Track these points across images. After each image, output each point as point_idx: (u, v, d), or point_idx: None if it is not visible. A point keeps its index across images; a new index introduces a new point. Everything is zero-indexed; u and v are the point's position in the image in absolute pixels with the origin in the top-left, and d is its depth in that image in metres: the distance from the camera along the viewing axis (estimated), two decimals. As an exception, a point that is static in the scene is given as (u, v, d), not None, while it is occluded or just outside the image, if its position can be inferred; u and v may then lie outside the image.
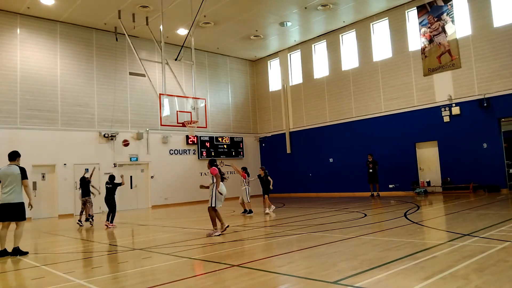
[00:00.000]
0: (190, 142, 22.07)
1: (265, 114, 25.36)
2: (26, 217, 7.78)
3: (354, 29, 20.55)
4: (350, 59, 20.96)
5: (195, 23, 17.37)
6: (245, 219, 11.87)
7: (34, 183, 16.81)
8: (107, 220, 11.74)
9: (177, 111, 15.86)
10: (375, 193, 18.39)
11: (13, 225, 7.66)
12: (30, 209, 7.79)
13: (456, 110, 16.82)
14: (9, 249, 7.57)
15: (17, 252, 7.51)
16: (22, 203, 7.59)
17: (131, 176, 19.93)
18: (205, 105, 17.27)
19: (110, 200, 11.86)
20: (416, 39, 18.26)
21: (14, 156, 7.81)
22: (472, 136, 16.42)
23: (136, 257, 6.91)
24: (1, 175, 7.60)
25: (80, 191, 13.19)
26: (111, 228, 11.49)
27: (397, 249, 5.95)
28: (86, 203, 12.90)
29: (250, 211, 13.17)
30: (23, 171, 7.64)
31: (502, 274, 4.33)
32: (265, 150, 25.27)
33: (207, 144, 22.83)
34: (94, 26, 19.03)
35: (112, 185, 11.87)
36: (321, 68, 22.36)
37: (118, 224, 12.86)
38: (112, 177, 12.16)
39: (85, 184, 13.02)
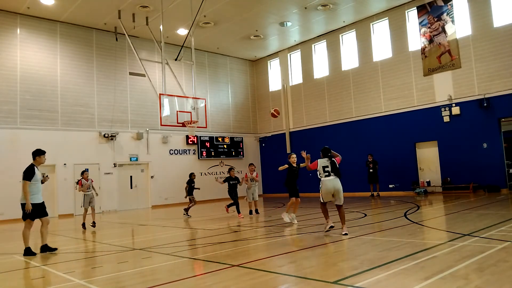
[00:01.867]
0: (190, 142, 22.07)
1: (265, 114, 25.33)
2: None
3: (354, 29, 20.55)
4: (350, 59, 20.96)
5: (195, 23, 17.37)
6: (246, 219, 11.87)
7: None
8: (238, 212, 12.47)
9: (177, 111, 15.86)
10: (375, 193, 18.39)
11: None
12: (27, 212, 7.48)
13: (456, 110, 16.82)
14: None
15: (46, 249, 7.63)
16: (22, 204, 7.50)
17: (131, 176, 19.94)
18: (205, 105, 17.26)
19: (233, 194, 12.75)
20: (416, 39, 18.26)
21: (32, 155, 7.72)
22: (472, 136, 16.42)
23: (136, 257, 6.91)
24: None
25: (188, 188, 14.17)
26: (241, 219, 11.96)
27: (397, 249, 5.95)
28: (192, 200, 14.05)
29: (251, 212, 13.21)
30: (24, 171, 7.53)
31: (502, 274, 4.33)
32: (265, 150, 25.26)
33: (207, 144, 22.83)
34: (94, 26, 19.03)
35: (236, 181, 12.83)
36: (321, 68, 22.35)
37: (118, 224, 12.87)
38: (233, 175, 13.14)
39: (191, 183, 14.11)
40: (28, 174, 7.50)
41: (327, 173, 7.82)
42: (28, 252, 7.42)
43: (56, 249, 7.77)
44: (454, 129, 16.91)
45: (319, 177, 7.95)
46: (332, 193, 7.84)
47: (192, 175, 14.39)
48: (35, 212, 7.55)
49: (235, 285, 4.58)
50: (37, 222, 7.75)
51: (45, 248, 7.65)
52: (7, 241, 10.55)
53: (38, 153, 7.76)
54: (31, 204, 7.46)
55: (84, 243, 9.30)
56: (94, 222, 11.68)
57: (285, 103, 23.96)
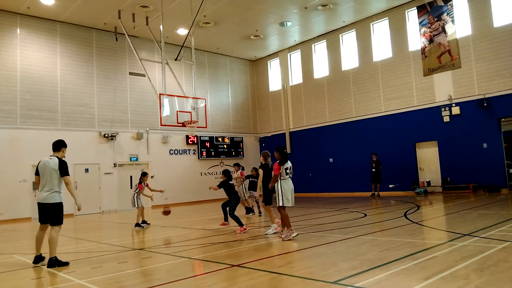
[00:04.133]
0: (190, 142, 22.07)
1: (265, 114, 25.35)
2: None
3: (354, 29, 20.55)
4: (350, 59, 20.96)
5: (195, 23, 17.37)
6: (246, 219, 11.86)
7: (34, 183, 16.80)
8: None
9: (177, 111, 15.87)
10: (375, 193, 18.37)
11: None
12: (79, 210, 6.91)
13: (456, 110, 16.82)
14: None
15: (54, 263, 6.18)
16: (58, 204, 6.62)
17: (131, 176, 19.92)
18: (205, 105, 17.27)
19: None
20: (416, 39, 18.26)
21: (58, 145, 6.61)
22: (472, 136, 16.42)
23: (136, 257, 6.92)
24: (39, 168, 6.50)
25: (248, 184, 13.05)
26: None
27: (397, 249, 5.95)
28: (250, 196, 12.92)
29: (251, 209, 13.12)
30: (62, 165, 6.42)
31: (502, 274, 4.33)
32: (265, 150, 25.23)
33: (207, 144, 22.83)
34: (94, 26, 19.03)
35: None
36: (321, 68, 22.35)
37: (118, 224, 12.86)
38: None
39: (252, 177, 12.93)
40: (67, 168, 6.53)
41: (288, 175, 7.84)
42: (37, 259, 6.51)
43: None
44: (454, 129, 16.91)
45: (279, 179, 7.68)
46: (291, 194, 7.74)
47: (252, 171, 12.95)
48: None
49: (235, 285, 4.58)
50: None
51: (54, 262, 6.26)
52: (7, 241, 10.54)
53: (65, 145, 6.73)
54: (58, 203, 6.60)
55: (84, 243, 9.30)
56: (143, 221, 11.60)
57: (285, 103, 23.96)
